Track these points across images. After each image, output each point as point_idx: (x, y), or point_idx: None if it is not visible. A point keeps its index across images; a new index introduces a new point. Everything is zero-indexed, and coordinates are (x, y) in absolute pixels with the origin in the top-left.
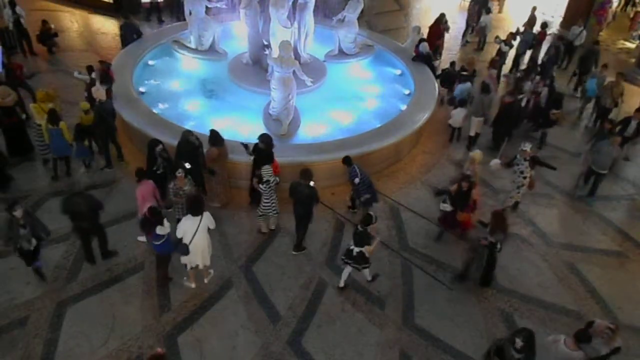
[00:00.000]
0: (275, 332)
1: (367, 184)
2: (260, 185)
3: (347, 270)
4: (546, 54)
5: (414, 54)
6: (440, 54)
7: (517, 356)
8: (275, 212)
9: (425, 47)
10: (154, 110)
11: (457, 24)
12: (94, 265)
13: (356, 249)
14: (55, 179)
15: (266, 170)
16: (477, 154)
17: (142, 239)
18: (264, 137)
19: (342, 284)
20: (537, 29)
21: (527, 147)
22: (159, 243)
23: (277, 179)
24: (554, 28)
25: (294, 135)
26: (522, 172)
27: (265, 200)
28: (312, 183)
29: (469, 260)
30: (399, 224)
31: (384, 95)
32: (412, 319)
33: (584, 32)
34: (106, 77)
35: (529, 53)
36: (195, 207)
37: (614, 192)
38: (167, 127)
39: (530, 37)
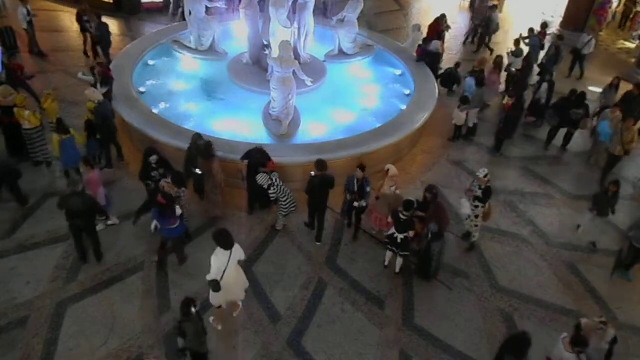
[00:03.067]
0: (275, 332)
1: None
2: (269, 192)
3: (389, 254)
4: (546, 54)
5: (415, 54)
6: (441, 55)
7: None
8: (295, 206)
9: (437, 45)
10: (154, 110)
11: (457, 24)
12: (86, 265)
13: (400, 236)
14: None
15: (261, 178)
16: (393, 168)
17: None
18: (263, 151)
19: (397, 270)
20: (537, 29)
21: (482, 174)
22: (176, 226)
23: (275, 173)
24: (553, 28)
25: (294, 135)
26: (474, 200)
27: (282, 200)
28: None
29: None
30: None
31: (384, 95)
32: (412, 319)
33: (593, 41)
34: (106, 78)
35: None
36: (224, 241)
37: None
38: (167, 127)
39: (537, 40)
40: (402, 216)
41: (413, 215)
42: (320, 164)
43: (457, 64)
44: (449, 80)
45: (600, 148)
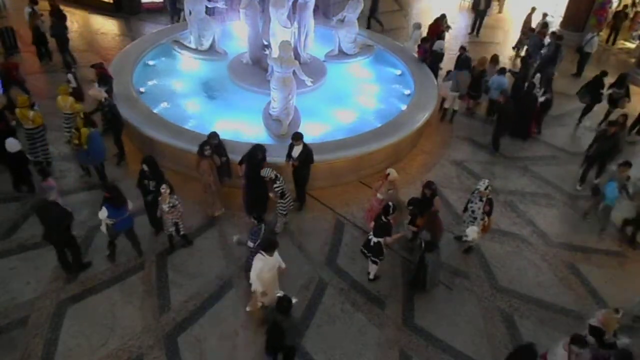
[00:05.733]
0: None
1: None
2: (275, 185)
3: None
4: (546, 54)
5: (416, 54)
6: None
7: None
8: (293, 204)
9: (441, 44)
10: (154, 110)
11: (457, 24)
12: (70, 274)
13: (374, 239)
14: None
15: (266, 171)
16: (394, 172)
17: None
18: (262, 148)
19: (372, 277)
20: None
21: (482, 185)
22: (126, 216)
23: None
24: (553, 28)
25: None
26: (473, 212)
27: (282, 200)
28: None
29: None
30: (398, 224)
31: (384, 95)
32: (412, 319)
33: (596, 39)
34: (104, 77)
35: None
36: (268, 247)
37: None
38: (167, 127)
39: (537, 40)
40: (381, 219)
41: (412, 212)
42: (300, 135)
43: (463, 47)
44: (464, 65)
45: (606, 214)
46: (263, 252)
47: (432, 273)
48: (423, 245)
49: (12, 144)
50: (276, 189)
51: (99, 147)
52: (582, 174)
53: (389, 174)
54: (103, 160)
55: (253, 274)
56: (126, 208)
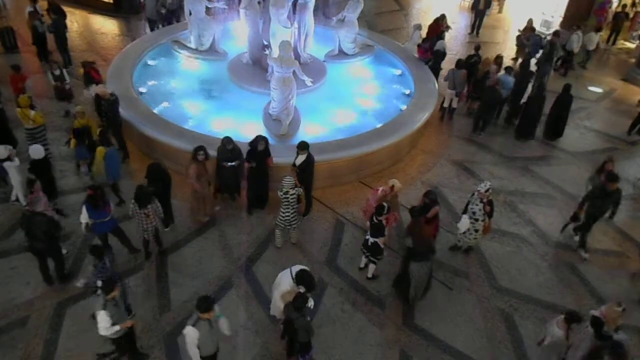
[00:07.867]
0: (275, 332)
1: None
2: (279, 192)
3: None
4: (542, 52)
5: (417, 55)
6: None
7: None
8: (295, 225)
9: (443, 44)
10: (154, 110)
11: (457, 24)
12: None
13: (371, 239)
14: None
15: (287, 181)
16: (397, 183)
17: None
18: (263, 138)
19: (370, 275)
20: (540, 29)
21: (483, 187)
22: (108, 219)
23: (300, 190)
24: (553, 27)
25: (294, 135)
26: (474, 214)
27: (282, 211)
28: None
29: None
30: (398, 224)
31: (384, 95)
32: (412, 319)
33: (575, 37)
34: (89, 78)
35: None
36: (308, 284)
37: None
38: (167, 127)
39: (538, 39)
40: (374, 220)
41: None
42: (305, 145)
43: (477, 47)
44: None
45: None
46: (302, 288)
47: (417, 285)
48: (407, 251)
49: (37, 151)
50: (280, 195)
51: (116, 165)
52: (580, 239)
53: (393, 186)
54: (118, 178)
55: (278, 294)
56: (107, 211)
